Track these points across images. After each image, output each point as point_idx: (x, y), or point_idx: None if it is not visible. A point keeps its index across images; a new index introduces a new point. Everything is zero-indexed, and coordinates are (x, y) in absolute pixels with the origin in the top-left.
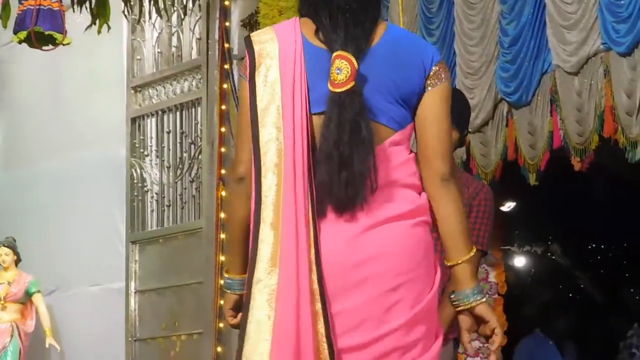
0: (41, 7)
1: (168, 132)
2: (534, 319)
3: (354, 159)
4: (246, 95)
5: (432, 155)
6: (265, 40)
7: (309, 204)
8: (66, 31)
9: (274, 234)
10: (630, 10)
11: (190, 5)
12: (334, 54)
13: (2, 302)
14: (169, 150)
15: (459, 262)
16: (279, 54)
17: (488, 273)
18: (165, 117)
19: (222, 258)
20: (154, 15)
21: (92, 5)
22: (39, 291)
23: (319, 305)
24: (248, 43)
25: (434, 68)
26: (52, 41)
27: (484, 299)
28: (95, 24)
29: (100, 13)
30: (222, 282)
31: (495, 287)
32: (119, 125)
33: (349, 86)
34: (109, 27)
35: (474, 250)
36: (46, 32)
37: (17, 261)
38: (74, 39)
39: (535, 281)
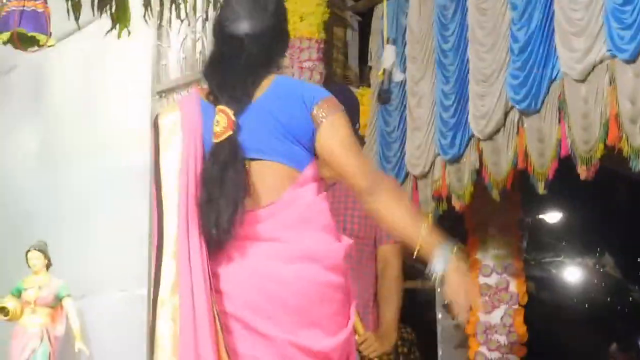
0: (25, 8)
1: None
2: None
3: (221, 198)
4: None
5: (352, 179)
6: (171, 122)
7: (198, 239)
8: (51, 33)
9: (174, 263)
10: (635, 16)
11: (211, 11)
12: (216, 109)
13: (32, 305)
14: None
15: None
16: (182, 127)
17: (509, 283)
18: None
19: None
20: (179, 20)
21: (113, 10)
22: (69, 295)
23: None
24: (156, 126)
25: (317, 104)
26: (36, 42)
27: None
28: (115, 28)
29: (120, 18)
30: None
31: (516, 297)
32: (144, 130)
33: (226, 136)
34: (129, 32)
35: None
36: (29, 34)
37: (48, 265)
38: (106, 44)
39: (583, 293)
